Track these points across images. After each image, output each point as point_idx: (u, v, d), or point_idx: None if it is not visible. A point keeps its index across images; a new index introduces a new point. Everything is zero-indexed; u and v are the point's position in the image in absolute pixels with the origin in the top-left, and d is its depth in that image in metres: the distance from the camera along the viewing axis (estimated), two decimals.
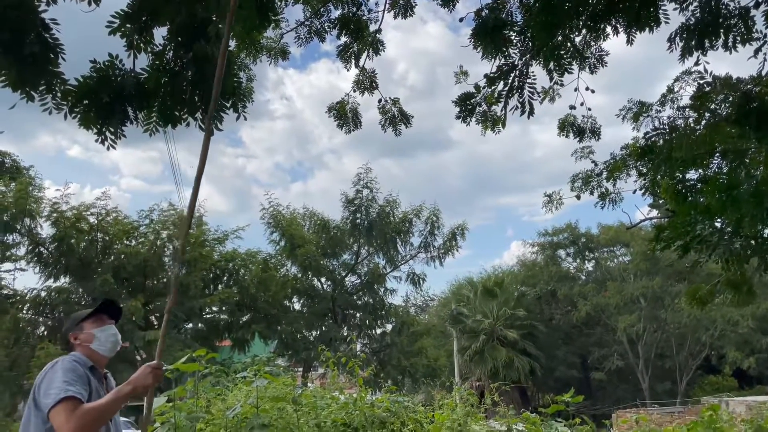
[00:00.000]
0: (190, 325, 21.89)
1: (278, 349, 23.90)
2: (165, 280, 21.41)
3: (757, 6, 5.03)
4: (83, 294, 20.24)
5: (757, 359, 30.28)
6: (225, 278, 22.47)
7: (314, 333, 25.82)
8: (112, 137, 3.43)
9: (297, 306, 26.35)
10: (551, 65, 5.27)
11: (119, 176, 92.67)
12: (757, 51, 5.32)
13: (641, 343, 33.30)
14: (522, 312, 32.16)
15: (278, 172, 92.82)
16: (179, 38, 3.53)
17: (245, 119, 3.73)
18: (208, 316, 22.43)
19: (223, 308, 22.12)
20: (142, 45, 3.63)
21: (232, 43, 5.74)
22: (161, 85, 3.52)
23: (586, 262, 40.15)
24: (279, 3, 6.43)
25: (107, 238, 20.22)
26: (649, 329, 33.01)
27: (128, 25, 3.54)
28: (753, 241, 5.12)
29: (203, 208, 22.76)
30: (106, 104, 3.36)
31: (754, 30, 5.11)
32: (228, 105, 3.59)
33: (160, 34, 3.71)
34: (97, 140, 3.42)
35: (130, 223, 20.77)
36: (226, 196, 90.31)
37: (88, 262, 19.76)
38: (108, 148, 3.49)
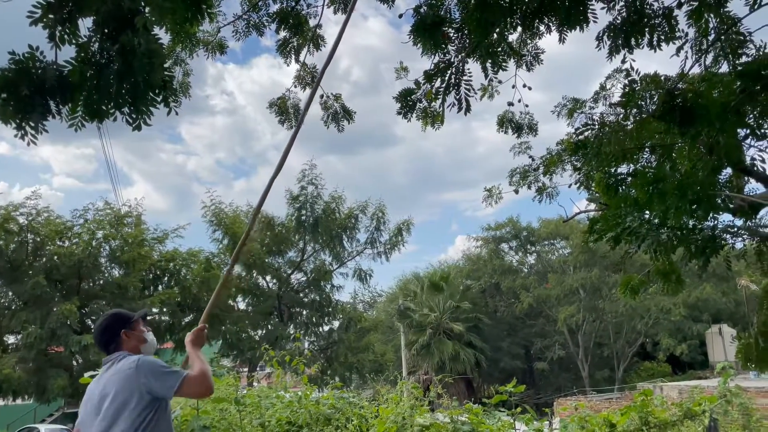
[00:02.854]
0: None
1: (222, 349, 23.49)
2: (101, 282, 20.68)
3: (679, 6, 5.27)
4: (14, 297, 19.32)
5: (689, 345, 31.81)
6: (165, 278, 21.90)
7: (260, 332, 25.51)
8: (33, 132, 3.27)
9: (241, 305, 25.99)
10: (487, 63, 5.37)
11: (51, 174, 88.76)
12: (679, 49, 5.58)
13: (581, 333, 34.47)
14: (467, 305, 32.73)
15: (220, 169, 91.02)
16: (105, 29, 3.39)
17: (176, 114, 3.62)
18: (148, 318, 21.78)
19: (164, 309, 21.54)
20: (65, 36, 3.47)
21: (167, 37, 5.58)
22: (86, 78, 3.38)
23: (528, 255, 41.25)
24: None
25: (38, 239, 19.36)
26: (588, 319, 34.19)
27: (51, 16, 3.38)
28: (679, 232, 5.36)
29: (141, 206, 22.11)
30: (26, 97, 3.20)
31: (677, 29, 5.36)
32: (158, 99, 3.47)
33: (85, 25, 3.57)
34: (16, 135, 3.26)
35: (63, 223, 19.95)
36: (165, 194, 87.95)
37: (18, 265, 18.86)
38: (29, 144, 3.33)
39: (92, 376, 6.24)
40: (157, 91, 3.40)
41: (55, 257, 19.25)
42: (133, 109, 3.38)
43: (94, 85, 3.40)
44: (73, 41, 3.44)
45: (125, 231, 20.83)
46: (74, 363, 19.65)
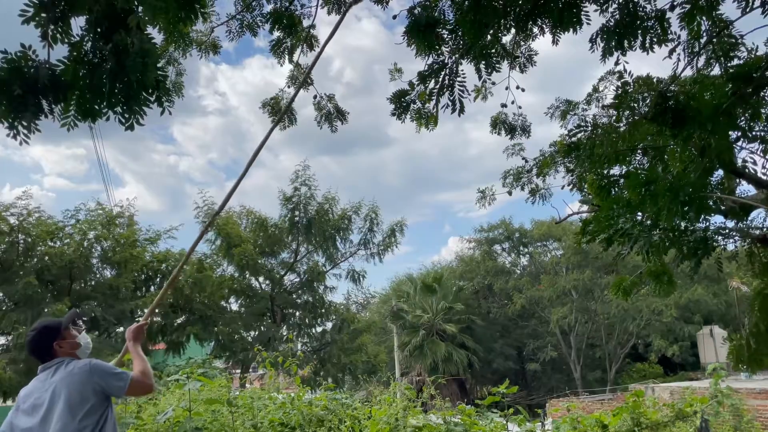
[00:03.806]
0: (121, 329, 21.13)
1: (215, 350, 23.41)
2: (93, 282, 20.56)
3: (672, 8, 5.31)
4: (4, 298, 19.18)
5: (680, 347, 31.97)
6: (158, 279, 21.79)
7: (252, 333, 25.44)
8: (26, 131, 3.25)
9: (234, 306, 25.91)
10: (481, 64, 5.38)
11: (42, 175, 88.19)
12: (671, 51, 5.62)
13: (573, 334, 34.59)
14: (460, 306, 32.78)
15: (212, 169, 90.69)
16: (98, 29, 3.38)
17: (170, 114, 3.61)
18: (140, 319, 21.67)
19: (156, 310, 21.44)
20: (58, 35, 3.45)
21: (159, 36, 5.56)
22: (79, 78, 3.36)
23: (521, 256, 41.39)
24: None
25: (29, 239, 19.21)
26: (581, 320, 34.32)
27: (43, 14, 3.37)
28: (671, 234, 5.38)
29: (133, 207, 22.00)
30: (18, 97, 3.18)
31: (669, 31, 5.39)
32: (152, 99, 3.46)
33: (78, 24, 3.55)
34: (8, 134, 3.24)
35: (54, 224, 19.80)
36: (157, 195, 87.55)
37: (9, 265, 18.73)
38: (21, 143, 3.31)
39: None
40: (150, 91, 3.39)
41: (46, 258, 19.12)
42: (126, 108, 3.36)
43: (87, 85, 3.38)
44: (66, 40, 3.43)
45: (117, 232, 20.72)
46: None
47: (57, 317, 3.83)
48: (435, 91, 5.80)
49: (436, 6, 5.75)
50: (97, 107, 3.45)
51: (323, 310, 26.15)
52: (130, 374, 3.19)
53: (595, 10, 5.12)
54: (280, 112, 7.73)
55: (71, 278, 19.69)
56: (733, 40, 5.79)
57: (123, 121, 3.39)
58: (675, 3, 5.34)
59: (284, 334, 24.52)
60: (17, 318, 18.15)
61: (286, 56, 7.24)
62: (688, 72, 6.05)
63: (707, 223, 5.59)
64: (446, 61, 5.66)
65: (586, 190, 7.15)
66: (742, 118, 5.31)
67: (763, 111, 5.42)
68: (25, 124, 3.27)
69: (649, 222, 5.43)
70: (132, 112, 3.42)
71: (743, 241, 6.34)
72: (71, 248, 19.37)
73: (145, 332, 3.71)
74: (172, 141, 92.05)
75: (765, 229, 6.44)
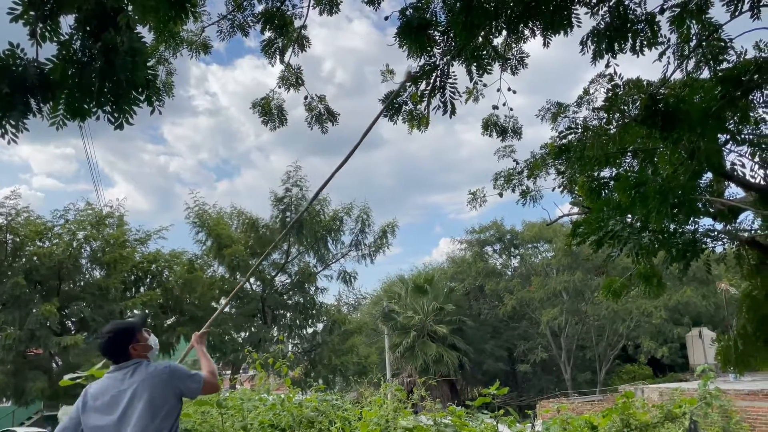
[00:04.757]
0: None
1: (206, 351, 23.28)
2: (82, 283, 20.42)
3: (662, 12, 5.34)
4: None
5: (669, 348, 32.15)
6: (148, 280, 21.67)
7: (243, 334, 25.35)
8: (14, 131, 3.22)
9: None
10: (472, 66, 5.39)
11: (30, 174, 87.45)
12: (661, 55, 5.65)
13: (563, 336, 34.71)
14: (451, 307, 32.83)
15: (203, 170, 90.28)
16: (87, 27, 3.35)
17: (160, 113, 3.59)
18: (129, 319, 21.55)
19: (146, 311, 21.33)
20: (47, 34, 3.43)
21: (150, 35, 5.53)
22: (68, 77, 3.33)
23: (512, 258, 41.49)
24: None
25: (18, 239, 19.07)
26: (571, 322, 34.45)
27: (32, 13, 3.34)
28: (660, 236, 5.42)
29: (123, 207, 21.87)
30: (6, 95, 3.15)
31: (659, 35, 5.43)
32: (141, 98, 3.44)
33: (67, 22, 3.52)
34: None
35: (43, 224, 19.67)
36: (147, 195, 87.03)
37: None
38: (9, 142, 3.28)
39: (72, 379, 6.13)
40: (140, 90, 3.37)
41: (35, 258, 18.99)
42: (115, 108, 3.34)
43: (76, 84, 3.36)
44: (55, 39, 3.40)
45: (107, 232, 20.60)
46: (54, 365, 19.38)
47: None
48: (426, 92, 5.80)
49: (427, 8, 5.75)
50: (86, 106, 3.42)
51: (314, 312, 26.11)
52: (203, 375, 3.41)
53: (586, 13, 5.14)
54: (270, 113, 7.71)
55: (60, 279, 19.55)
56: (723, 44, 5.83)
57: (112, 120, 3.36)
58: (665, 6, 5.38)
59: (275, 335, 24.45)
60: (5, 319, 18.00)
61: (278, 57, 7.22)
62: (678, 75, 6.10)
63: (696, 226, 5.64)
64: (438, 62, 5.66)
65: (576, 192, 7.17)
66: (731, 122, 5.34)
67: (751, 114, 5.46)
68: (13, 123, 3.24)
69: (638, 224, 5.47)
70: (121, 111, 3.40)
71: (732, 243, 6.39)
72: (60, 248, 19.23)
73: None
74: (162, 141, 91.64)
75: (753, 232, 6.49)
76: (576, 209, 9.36)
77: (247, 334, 25.19)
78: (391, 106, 6.33)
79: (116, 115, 3.39)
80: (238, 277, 25.15)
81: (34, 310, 17.98)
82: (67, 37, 3.44)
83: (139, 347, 3.36)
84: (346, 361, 25.59)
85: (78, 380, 6.04)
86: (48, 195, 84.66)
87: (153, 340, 3.53)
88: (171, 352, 21.57)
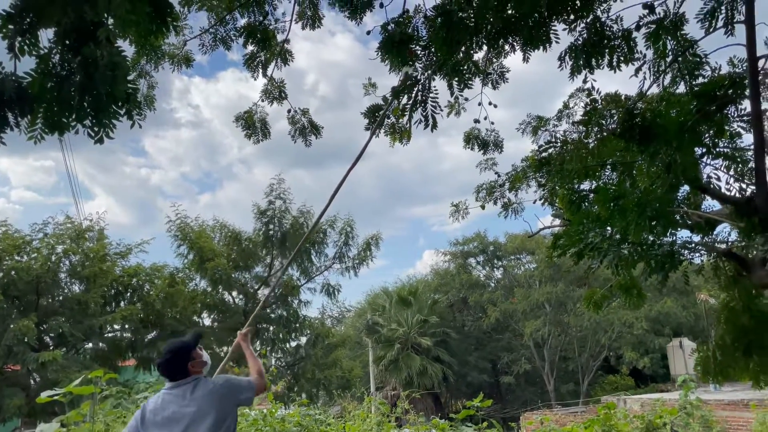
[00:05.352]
0: (90, 345, 20.64)
1: None
2: (60, 297, 20.09)
3: (638, 28, 5.46)
4: None
5: (651, 359, 32.38)
6: (128, 294, 21.37)
7: (225, 348, 25.07)
8: None
9: (207, 321, 25.53)
10: (453, 80, 5.45)
11: (8, 187, 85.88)
12: (638, 70, 5.77)
13: (546, 347, 34.83)
14: (435, 319, 32.79)
15: (185, 183, 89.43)
16: (67, 41, 3.34)
17: (140, 127, 3.57)
18: (109, 334, 21.23)
19: (126, 326, 21.02)
20: (25, 47, 3.41)
21: (131, 49, 5.51)
22: (46, 90, 3.31)
23: (495, 269, 41.63)
24: (181, 9, 6.27)
25: None
26: (554, 333, 34.58)
27: (10, 26, 3.32)
28: (639, 248, 5.48)
29: (103, 220, 21.60)
30: None
31: (635, 51, 5.54)
32: (121, 112, 3.42)
33: (46, 36, 3.50)
34: None
35: (21, 238, 19.34)
36: (128, 208, 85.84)
37: None
38: None
39: (50, 395, 6.00)
40: (120, 104, 3.35)
41: (13, 272, 18.64)
42: (95, 121, 3.32)
43: (55, 97, 3.33)
44: (34, 52, 3.38)
45: (86, 245, 20.32)
46: (31, 382, 18.98)
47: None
48: (408, 106, 5.85)
49: (409, 23, 5.81)
50: (65, 120, 3.40)
51: (297, 325, 25.93)
52: (253, 382, 3.65)
53: (564, 29, 5.23)
54: (253, 126, 7.70)
55: (38, 293, 19.22)
56: (698, 59, 5.95)
57: (92, 134, 3.34)
58: (641, 23, 5.49)
59: (257, 349, 24.22)
60: None
61: (260, 70, 7.24)
62: (655, 90, 6.21)
63: (674, 238, 5.71)
64: (419, 77, 5.72)
65: (557, 204, 7.24)
66: (707, 135, 5.45)
67: (726, 128, 5.58)
68: None
69: (618, 236, 5.53)
70: (101, 125, 3.37)
71: (709, 255, 6.48)
72: (38, 262, 18.92)
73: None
74: (143, 154, 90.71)
75: (730, 244, 6.59)
76: (557, 221, 9.45)
77: (229, 348, 24.93)
78: (374, 120, 6.37)
79: (96, 128, 3.37)
80: (220, 290, 24.92)
81: (12, 326, 17.63)
82: (46, 50, 3.42)
83: (197, 364, 3.53)
84: (330, 375, 25.41)
85: (56, 397, 5.94)
86: (26, 208, 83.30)
87: (206, 356, 3.68)
88: (152, 368, 21.26)
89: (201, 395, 3.37)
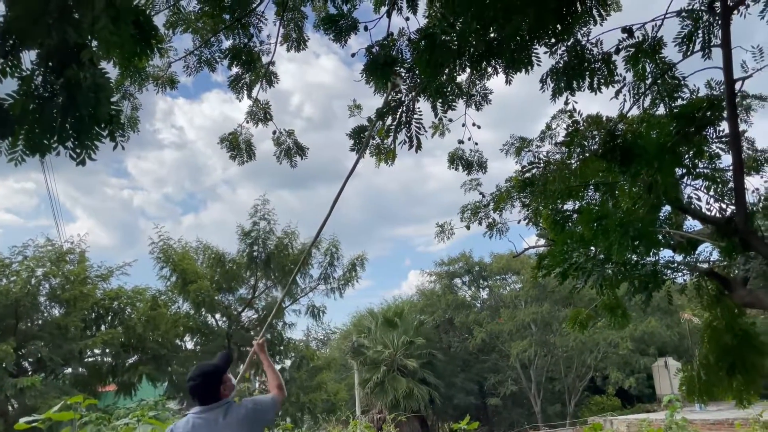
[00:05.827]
0: (69, 370, 20.22)
1: (168, 391, 22.60)
2: (40, 321, 19.71)
3: (617, 52, 5.57)
4: None
5: (636, 379, 32.45)
6: (109, 318, 21.01)
7: None
8: None
9: (189, 345, 25.14)
10: (437, 102, 5.51)
11: None
12: (618, 92, 5.87)
13: (533, 368, 34.75)
14: (421, 341, 32.61)
15: (168, 204, 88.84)
16: (50, 63, 3.32)
17: (123, 148, 3.55)
18: (89, 359, 20.84)
19: (107, 350, 20.64)
20: (7, 69, 3.38)
21: (114, 70, 5.50)
22: (28, 112, 3.28)
23: (481, 290, 41.63)
24: (166, 31, 6.29)
25: None
26: (540, 354, 34.55)
27: None
28: (622, 267, 5.53)
29: (84, 243, 21.31)
30: None
31: (615, 73, 5.65)
32: (104, 134, 3.39)
33: (29, 57, 3.48)
34: None
35: (0, 261, 19.04)
36: (110, 231, 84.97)
37: None
38: None
39: (29, 422, 5.86)
40: (103, 126, 3.33)
41: None
42: (77, 143, 3.29)
43: (37, 119, 3.30)
44: (16, 74, 3.35)
45: (67, 268, 20.02)
46: (9, 408, 18.51)
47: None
48: (393, 127, 5.88)
49: (393, 45, 5.88)
50: (46, 142, 3.36)
51: (282, 348, 25.65)
52: (276, 399, 3.78)
53: (545, 53, 5.32)
54: (238, 147, 7.70)
55: (17, 317, 18.84)
56: (676, 82, 6.08)
57: (74, 156, 3.31)
58: (620, 47, 5.61)
59: (239, 372, 23.90)
60: None
61: (245, 92, 7.26)
62: (635, 111, 6.32)
63: (657, 258, 5.77)
64: (403, 98, 5.77)
65: (541, 224, 7.29)
66: (687, 156, 5.55)
67: (705, 149, 5.68)
68: None
69: (602, 256, 5.57)
70: (83, 147, 3.34)
71: (691, 274, 6.55)
72: (18, 286, 18.58)
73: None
74: (126, 175, 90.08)
75: (711, 263, 6.67)
76: (542, 241, 9.51)
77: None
78: (359, 140, 6.40)
79: (78, 150, 3.34)
80: (203, 313, 24.61)
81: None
82: (28, 72, 3.40)
83: (228, 388, 3.56)
84: (315, 399, 25.09)
85: (34, 424, 5.81)
86: (6, 231, 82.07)
87: (234, 381, 3.73)
88: (132, 393, 20.85)
89: (235, 421, 3.41)
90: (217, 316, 25.39)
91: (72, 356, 19.07)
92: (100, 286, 21.01)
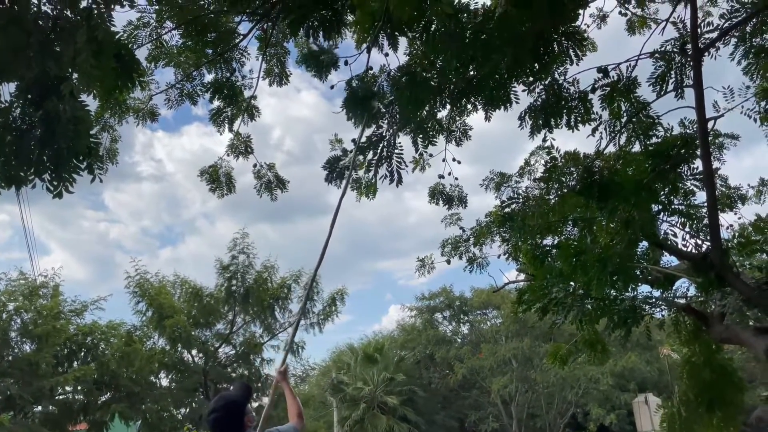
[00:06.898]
0: (39, 408, 19.54)
1: (142, 430, 21.92)
2: (10, 358, 19.11)
3: (593, 91, 5.71)
4: None
5: (617, 415, 32.22)
6: (82, 354, 20.45)
7: (183, 411, 24.04)
8: None
9: (164, 381, 24.49)
10: (418, 137, 5.56)
11: None
12: (594, 130, 6.00)
13: (514, 404, 34.40)
14: (402, 377, 32.16)
15: (145, 237, 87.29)
16: (29, 95, 3.30)
17: (101, 181, 3.51)
18: (60, 397, 20.18)
19: (79, 387, 20.03)
20: None
21: (94, 103, 5.48)
22: (5, 144, 3.25)
23: (462, 324, 41.40)
24: (148, 65, 6.30)
25: None
26: (521, 390, 34.25)
27: None
28: (602, 303, 5.56)
29: (58, 276, 20.84)
30: None
31: (592, 111, 5.77)
32: (82, 166, 3.36)
33: (8, 90, 3.46)
34: None
35: None
36: (85, 264, 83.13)
37: None
38: None
39: None
40: (81, 158, 3.29)
41: None
42: (54, 176, 3.25)
43: (13, 151, 3.27)
44: None
45: (40, 302, 19.53)
46: None
47: (234, 393, 3.86)
48: (374, 162, 5.92)
49: (374, 81, 5.95)
50: (23, 174, 3.32)
51: (259, 384, 25.12)
52: (298, 428, 3.82)
53: (524, 90, 5.43)
54: (218, 180, 7.66)
55: None
56: (651, 120, 6.23)
57: (51, 188, 3.26)
58: (596, 86, 5.75)
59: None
60: None
61: (226, 125, 7.26)
62: (612, 148, 6.45)
63: (635, 293, 5.81)
64: (384, 133, 5.82)
65: (521, 259, 7.33)
66: (662, 193, 5.65)
67: (680, 186, 5.80)
68: None
69: (581, 291, 5.60)
70: (61, 179, 3.30)
71: (669, 310, 6.60)
72: None
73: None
74: (103, 207, 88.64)
75: (689, 299, 6.74)
76: (522, 276, 9.55)
77: (188, 410, 23.89)
78: (332, 171, 6.40)
79: (55, 183, 3.29)
80: (179, 348, 24.07)
81: None
82: (6, 104, 3.37)
83: (250, 419, 3.52)
84: None
85: None
86: None
87: (254, 414, 3.68)
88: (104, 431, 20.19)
89: None
90: (194, 351, 24.85)
91: (42, 394, 18.47)
92: (74, 321, 20.51)
